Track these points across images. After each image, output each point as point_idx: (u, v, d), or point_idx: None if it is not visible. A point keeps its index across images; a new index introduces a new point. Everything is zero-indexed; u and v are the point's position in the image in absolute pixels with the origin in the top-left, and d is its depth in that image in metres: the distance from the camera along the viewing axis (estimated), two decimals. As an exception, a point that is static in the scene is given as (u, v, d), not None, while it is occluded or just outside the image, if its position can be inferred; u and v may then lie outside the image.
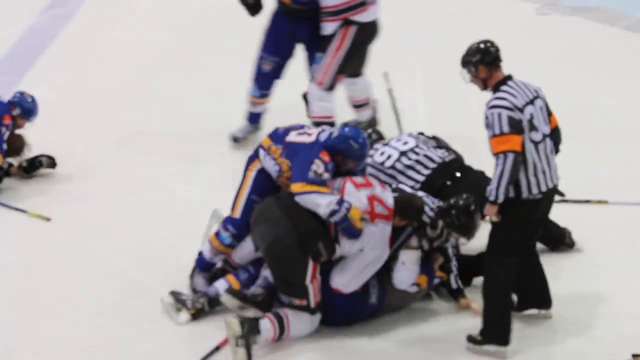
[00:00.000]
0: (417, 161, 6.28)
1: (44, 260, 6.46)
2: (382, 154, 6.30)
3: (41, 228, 6.79)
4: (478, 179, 6.31)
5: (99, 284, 6.21)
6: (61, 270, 6.36)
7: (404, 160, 6.27)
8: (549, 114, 5.62)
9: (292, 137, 5.76)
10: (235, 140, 7.65)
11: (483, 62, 5.49)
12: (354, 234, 5.51)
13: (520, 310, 5.76)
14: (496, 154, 5.36)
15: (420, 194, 5.93)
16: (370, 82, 7.66)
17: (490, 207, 5.41)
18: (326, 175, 5.55)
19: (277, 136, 5.80)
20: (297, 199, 5.55)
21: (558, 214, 6.87)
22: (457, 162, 6.42)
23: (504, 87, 5.47)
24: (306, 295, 5.51)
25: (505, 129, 5.35)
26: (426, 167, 6.28)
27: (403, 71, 9.39)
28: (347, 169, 5.72)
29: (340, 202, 5.48)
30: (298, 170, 5.58)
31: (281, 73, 7.46)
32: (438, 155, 6.34)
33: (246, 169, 5.87)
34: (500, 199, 5.36)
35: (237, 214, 5.84)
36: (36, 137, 7.42)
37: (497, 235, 5.52)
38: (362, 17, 7.20)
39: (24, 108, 7.12)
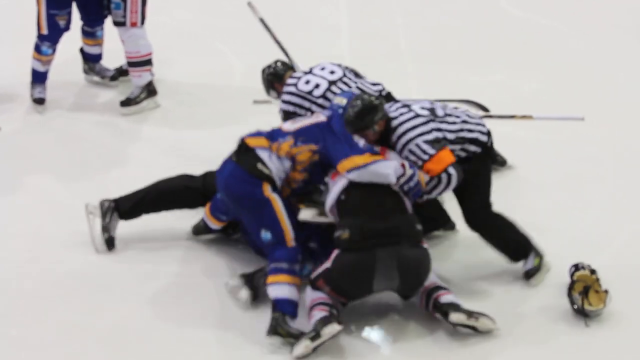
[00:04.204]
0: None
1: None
2: (307, 82, 5.95)
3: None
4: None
5: (28, 204, 6.19)
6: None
7: (335, 90, 5.90)
8: None
9: (297, 124, 5.40)
10: (41, 102, 7.25)
11: (384, 117, 5.35)
12: (418, 194, 5.35)
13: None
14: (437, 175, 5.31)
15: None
16: None
17: None
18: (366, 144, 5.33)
19: (273, 134, 5.36)
20: (355, 174, 5.17)
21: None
22: (390, 95, 6.10)
23: (398, 120, 5.35)
24: None
25: (431, 151, 5.30)
26: None
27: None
28: None
29: (410, 166, 5.27)
30: (343, 146, 5.24)
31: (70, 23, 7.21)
32: (369, 86, 5.99)
33: (260, 197, 5.23)
34: None
35: (292, 242, 5.26)
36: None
37: (479, 189, 5.49)
38: None
39: None
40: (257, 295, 5.28)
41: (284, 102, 5.95)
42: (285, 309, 5.11)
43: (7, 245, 5.78)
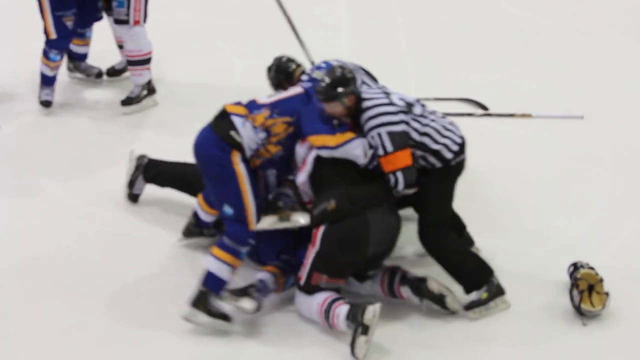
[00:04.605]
0: None
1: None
2: None
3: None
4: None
5: (28, 204, 6.17)
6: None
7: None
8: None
9: (274, 97, 5.37)
10: (48, 104, 7.18)
11: (354, 92, 5.20)
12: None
13: None
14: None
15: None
16: None
17: None
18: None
19: (250, 106, 5.32)
20: (325, 152, 5.16)
21: (483, 128, 7.00)
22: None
23: (372, 102, 5.19)
24: None
25: (389, 148, 5.13)
26: None
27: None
28: None
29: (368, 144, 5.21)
30: (317, 121, 5.21)
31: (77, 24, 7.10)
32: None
33: (227, 165, 5.18)
34: None
35: (254, 224, 5.21)
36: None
37: (430, 205, 5.26)
38: None
39: None
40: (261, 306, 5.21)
41: None
42: (212, 286, 5.12)
43: (6, 245, 5.78)
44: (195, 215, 5.68)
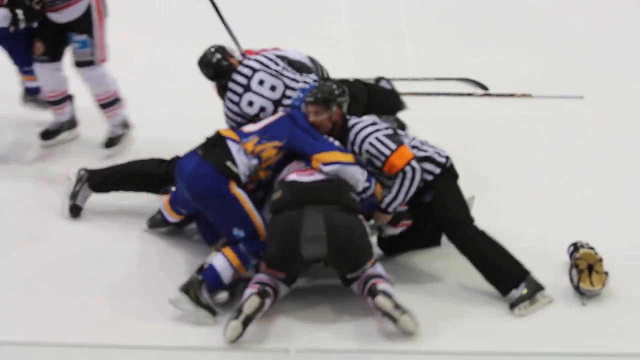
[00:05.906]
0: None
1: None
2: (250, 104, 5.63)
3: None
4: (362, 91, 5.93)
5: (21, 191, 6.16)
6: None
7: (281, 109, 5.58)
8: None
9: (260, 124, 5.34)
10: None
11: (343, 105, 5.33)
12: (369, 208, 5.27)
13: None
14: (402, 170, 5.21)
15: None
16: None
17: (385, 216, 5.30)
18: None
19: (239, 133, 5.27)
20: (332, 168, 5.12)
21: (483, 108, 7.00)
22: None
23: (359, 119, 5.35)
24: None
25: (392, 145, 5.23)
26: None
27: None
28: None
29: (369, 177, 5.25)
30: (321, 140, 5.21)
31: None
32: (311, 79, 5.70)
33: (226, 194, 5.11)
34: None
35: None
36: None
37: (447, 206, 5.27)
38: None
39: None
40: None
41: (228, 117, 5.73)
42: (210, 279, 5.06)
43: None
44: (161, 213, 5.60)
